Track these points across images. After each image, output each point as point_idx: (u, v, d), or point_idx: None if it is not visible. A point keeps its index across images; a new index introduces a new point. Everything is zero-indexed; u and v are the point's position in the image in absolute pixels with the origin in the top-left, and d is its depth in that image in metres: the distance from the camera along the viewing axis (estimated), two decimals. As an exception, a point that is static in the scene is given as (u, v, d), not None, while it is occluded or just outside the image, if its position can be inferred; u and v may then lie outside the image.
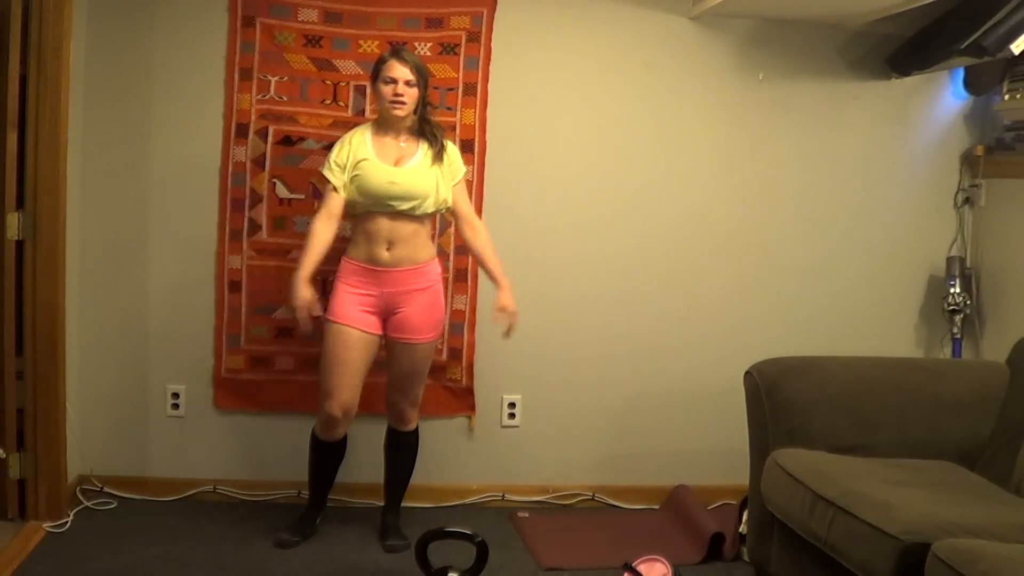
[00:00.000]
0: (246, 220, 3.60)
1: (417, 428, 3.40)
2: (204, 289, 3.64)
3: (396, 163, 3.15)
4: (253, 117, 3.57)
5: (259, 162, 3.59)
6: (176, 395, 3.68)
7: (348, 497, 3.64)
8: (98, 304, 3.59)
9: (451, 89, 3.63)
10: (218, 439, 3.70)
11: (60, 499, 3.37)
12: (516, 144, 3.71)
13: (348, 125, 3.53)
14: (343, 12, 3.57)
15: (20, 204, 3.23)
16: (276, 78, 3.57)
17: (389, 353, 3.27)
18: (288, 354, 3.67)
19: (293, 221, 3.61)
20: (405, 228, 3.14)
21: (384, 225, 3.13)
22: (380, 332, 3.20)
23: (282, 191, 3.61)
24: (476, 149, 3.67)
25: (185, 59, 3.56)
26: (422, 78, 3.15)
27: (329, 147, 3.52)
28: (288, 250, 3.61)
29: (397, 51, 3.17)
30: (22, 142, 3.20)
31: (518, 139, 3.72)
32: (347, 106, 3.60)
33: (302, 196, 3.60)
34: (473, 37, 3.63)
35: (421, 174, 3.14)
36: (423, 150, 3.18)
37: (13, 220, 3.21)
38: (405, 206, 3.11)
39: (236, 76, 3.55)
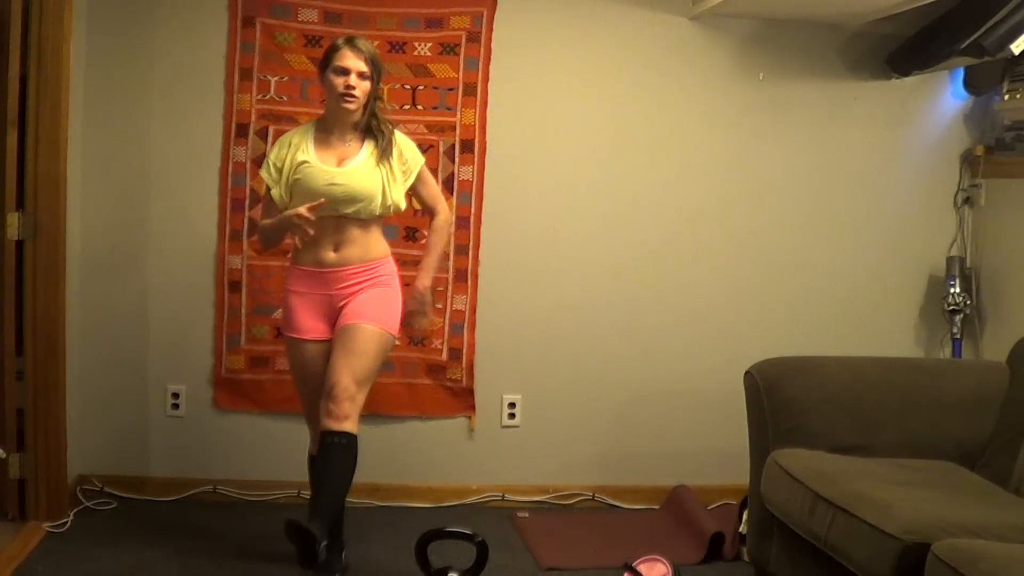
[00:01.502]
0: (246, 220, 3.60)
1: (355, 435, 2.81)
2: (204, 289, 3.64)
3: (339, 163, 2.90)
4: (253, 117, 3.57)
5: (259, 162, 3.59)
6: (176, 395, 3.68)
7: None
8: (98, 304, 3.59)
9: (451, 89, 3.63)
10: (218, 439, 3.70)
11: (60, 499, 3.38)
12: (516, 144, 3.71)
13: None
14: (343, 12, 3.57)
15: (20, 204, 3.23)
16: (276, 78, 3.57)
17: (332, 345, 2.90)
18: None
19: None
20: (352, 231, 2.90)
21: (329, 229, 2.88)
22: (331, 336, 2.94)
23: (282, 191, 3.60)
24: (476, 149, 3.67)
25: (185, 59, 3.56)
26: (376, 70, 2.89)
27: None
28: (288, 250, 3.60)
29: (351, 39, 2.90)
30: (22, 142, 3.20)
31: (518, 139, 3.71)
32: (347, 106, 3.60)
33: (302, 196, 3.60)
34: (473, 37, 3.63)
35: (364, 174, 2.88)
36: (368, 148, 2.92)
37: (13, 220, 3.21)
38: (349, 209, 2.86)
39: (236, 76, 3.55)
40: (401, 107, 3.59)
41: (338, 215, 2.88)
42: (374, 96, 2.93)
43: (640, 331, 3.85)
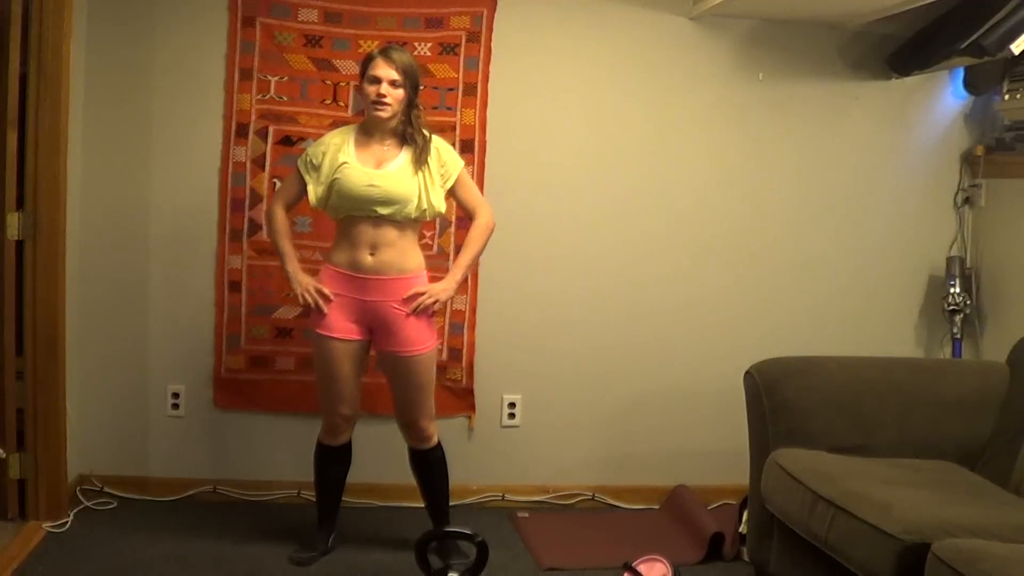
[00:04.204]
0: (246, 220, 3.60)
1: (439, 442, 3.21)
2: (204, 289, 3.64)
3: (377, 166, 3.01)
4: (253, 117, 3.57)
5: (259, 162, 3.59)
6: (176, 395, 3.68)
7: (347, 497, 3.61)
8: (98, 304, 3.59)
9: (451, 89, 3.63)
10: (218, 439, 3.70)
11: (60, 499, 3.38)
12: (516, 144, 3.71)
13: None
14: (343, 12, 3.57)
15: (20, 204, 3.23)
16: (276, 78, 3.57)
17: (387, 371, 3.14)
18: (288, 354, 3.66)
19: (293, 221, 3.60)
20: (389, 233, 3.00)
21: (366, 230, 2.99)
22: (366, 338, 3.08)
23: (282, 191, 3.61)
24: (476, 149, 3.67)
25: (185, 59, 3.56)
26: (409, 79, 2.99)
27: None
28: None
29: (385, 49, 3.02)
30: (22, 142, 3.20)
31: (518, 139, 3.71)
32: (347, 106, 3.60)
33: (302, 196, 3.60)
34: (473, 37, 3.63)
35: (402, 178, 2.99)
36: (406, 154, 3.03)
37: (13, 220, 3.21)
38: (386, 211, 2.97)
39: (236, 76, 3.55)
40: (401, 107, 3.59)
41: (376, 216, 2.99)
42: (411, 104, 3.03)
43: (641, 331, 3.85)
